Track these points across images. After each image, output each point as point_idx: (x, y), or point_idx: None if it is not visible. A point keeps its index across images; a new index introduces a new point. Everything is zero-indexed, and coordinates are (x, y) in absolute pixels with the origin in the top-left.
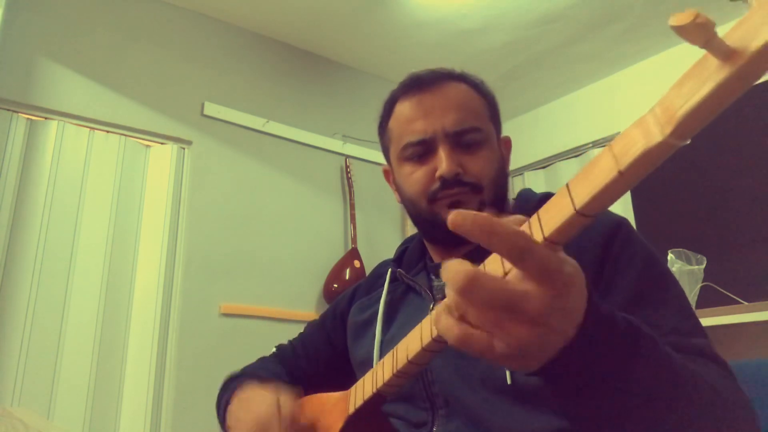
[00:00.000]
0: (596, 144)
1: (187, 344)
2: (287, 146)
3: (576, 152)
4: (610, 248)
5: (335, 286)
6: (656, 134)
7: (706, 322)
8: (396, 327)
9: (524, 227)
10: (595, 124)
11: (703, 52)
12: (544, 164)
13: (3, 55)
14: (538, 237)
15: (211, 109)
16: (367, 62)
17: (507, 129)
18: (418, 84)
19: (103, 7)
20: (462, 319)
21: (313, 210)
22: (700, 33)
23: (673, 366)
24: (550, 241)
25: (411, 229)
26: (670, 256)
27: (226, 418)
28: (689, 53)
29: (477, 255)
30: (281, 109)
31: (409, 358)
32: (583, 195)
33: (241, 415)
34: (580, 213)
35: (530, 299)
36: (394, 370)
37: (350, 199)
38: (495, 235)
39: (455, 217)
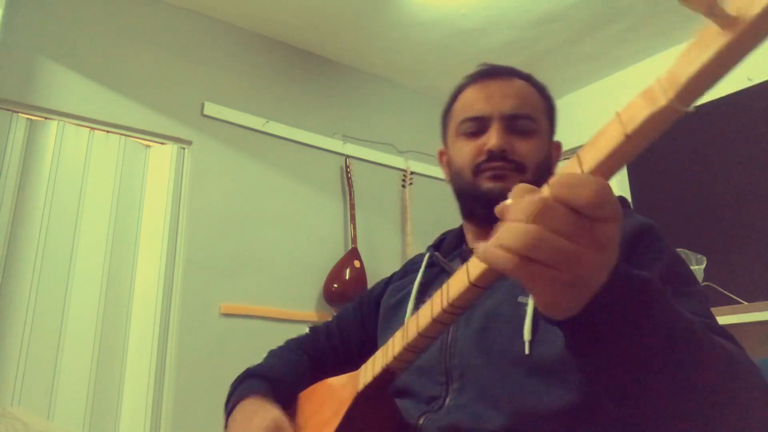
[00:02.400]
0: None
1: (187, 344)
2: (287, 146)
3: (575, 151)
4: (636, 247)
5: (335, 286)
6: (661, 99)
7: None
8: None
9: (537, 196)
10: (595, 124)
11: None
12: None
13: (3, 55)
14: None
15: (211, 109)
16: (367, 62)
17: None
18: (486, 73)
19: (103, 7)
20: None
21: (313, 210)
22: (703, 1)
23: (692, 323)
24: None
25: (411, 229)
26: None
27: (230, 417)
28: None
29: None
30: (281, 109)
31: (420, 330)
32: (591, 160)
33: (237, 424)
34: None
35: (603, 225)
36: (405, 344)
37: (350, 199)
38: (574, 186)
39: (517, 194)
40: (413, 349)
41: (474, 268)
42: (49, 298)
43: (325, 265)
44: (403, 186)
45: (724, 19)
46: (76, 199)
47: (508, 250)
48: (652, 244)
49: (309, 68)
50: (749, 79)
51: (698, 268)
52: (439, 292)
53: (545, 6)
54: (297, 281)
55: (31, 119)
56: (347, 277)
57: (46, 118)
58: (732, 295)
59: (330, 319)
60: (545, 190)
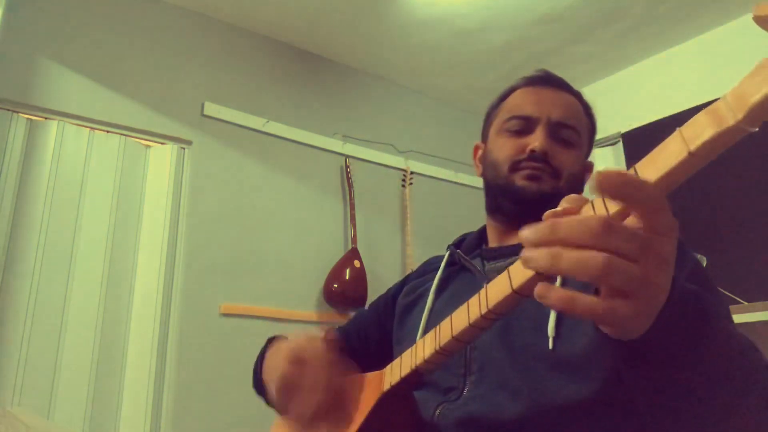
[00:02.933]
0: (596, 144)
1: (187, 344)
2: (287, 146)
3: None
4: None
5: (335, 286)
6: (728, 119)
7: None
8: (445, 298)
9: (587, 208)
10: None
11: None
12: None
13: (3, 55)
14: (607, 206)
15: (211, 109)
16: (367, 62)
17: None
18: (541, 80)
19: (103, 8)
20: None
21: (313, 210)
22: None
23: (741, 338)
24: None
25: (411, 229)
26: None
27: (263, 375)
28: (689, 53)
29: None
30: (281, 109)
31: (454, 334)
32: (652, 175)
33: (273, 359)
34: None
35: (661, 239)
36: (437, 347)
37: (350, 199)
38: (628, 185)
39: (573, 224)
40: (445, 352)
41: (517, 274)
42: (49, 298)
43: (325, 265)
44: (403, 186)
45: None
46: (76, 199)
47: (575, 275)
48: (678, 252)
49: (309, 68)
50: None
51: None
52: (477, 296)
53: (545, 6)
54: (297, 281)
55: (31, 119)
56: (347, 277)
57: (46, 118)
58: (732, 295)
59: (338, 322)
60: (599, 204)
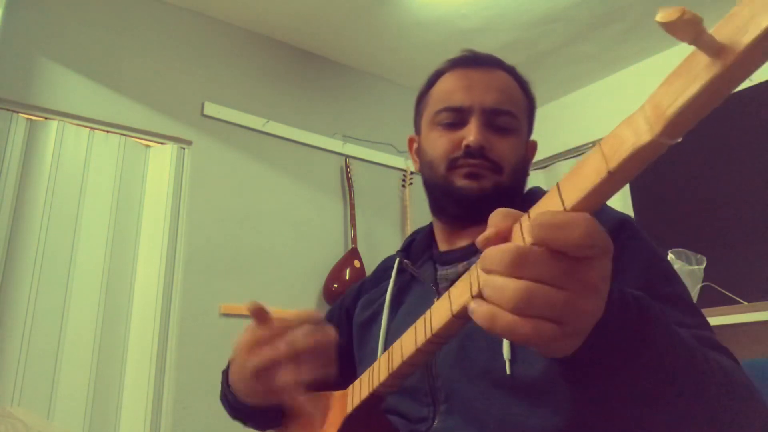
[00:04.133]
0: (596, 144)
1: (187, 344)
2: (287, 146)
3: (576, 152)
4: (614, 243)
5: (335, 286)
6: (646, 133)
7: None
8: (400, 316)
9: (516, 228)
10: (595, 124)
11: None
12: (544, 164)
13: (3, 55)
14: (528, 237)
15: (211, 109)
16: (367, 62)
17: None
18: (469, 60)
19: (103, 7)
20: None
21: (313, 210)
22: (689, 29)
23: (686, 341)
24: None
25: (411, 229)
26: (670, 256)
27: (230, 387)
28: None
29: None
30: (281, 109)
31: (405, 359)
32: (573, 195)
33: (235, 363)
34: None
35: (588, 266)
36: (390, 371)
37: (350, 199)
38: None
39: (476, 310)
40: (400, 375)
41: (457, 297)
42: (49, 298)
43: (325, 265)
44: (403, 186)
45: (713, 48)
46: (76, 199)
47: (498, 305)
48: (630, 242)
49: (309, 68)
50: (749, 79)
51: (698, 268)
52: (422, 319)
53: (545, 6)
54: (297, 281)
55: (31, 119)
56: (347, 277)
57: (46, 118)
58: (732, 295)
59: None
60: (526, 227)
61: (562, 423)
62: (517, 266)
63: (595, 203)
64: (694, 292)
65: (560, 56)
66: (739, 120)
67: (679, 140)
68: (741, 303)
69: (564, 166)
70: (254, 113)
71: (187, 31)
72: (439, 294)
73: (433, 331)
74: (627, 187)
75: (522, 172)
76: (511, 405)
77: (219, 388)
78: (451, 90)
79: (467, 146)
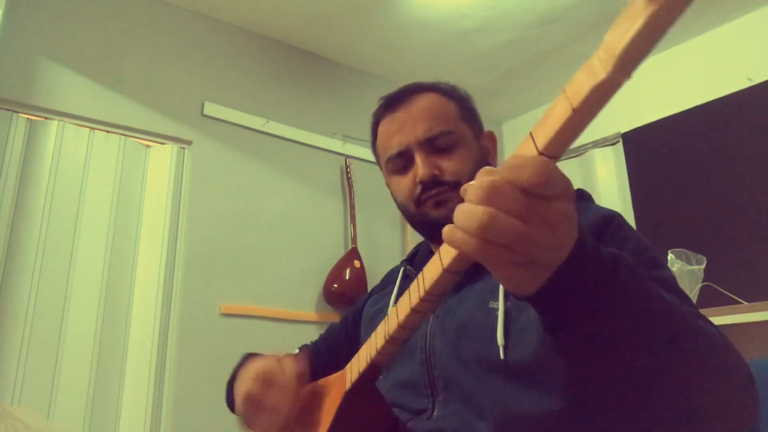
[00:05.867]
0: (596, 144)
1: (187, 344)
2: (287, 146)
3: (576, 152)
4: (600, 237)
5: (335, 286)
6: (600, 72)
7: None
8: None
9: (488, 178)
10: (595, 124)
11: None
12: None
13: (3, 55)
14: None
15: (211, 109)
16: (367, 62)
17: (507, 129)
18: (391, 104)
19: (103, 8)
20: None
21: (313, 210)
22: None
23: (667, 302)
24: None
25: (411, 229)
26: (670, 256)
27: (234, 390)
28: (689, 53)
29: None
30: (281, 109)
31: (400, 321)
32: (543, 137)
33: (243, 377)
34: (543, 154)
35: (548, 204)
36: (386, 336)
37: (350, 199)
38: (517, 170)
39: (471, 188)
40: (395, 341)
41: (446, 254)
42: (49, 298)
43: (325, 265)
44: None
45: None
46: (76, 199)
47: (465, 231)
48: (616, 233)
49: (309, 68)
50: (749, 79)
51: (698, 268)
52: (415, 282)
53: (545, 6)
54: (297, 281)
55: (31, 119)
56: (347, 277)
57: (46, 118)
58: (732, 295)
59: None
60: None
61: (557, 403)
62: (486, 195)
63: (564, 141)
64: (694, 292)
65: (560, 56)
66: (739, 120)
67: (629, 78)
68: (741, 303)
69: (564, 166)
70: (254, 113)
71: (187, 31)
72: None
73: (426, 289)
74: (627, 187)
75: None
76: (507, 388)
77: (219, 388)
78: (387, 138)
79: (420, 182)
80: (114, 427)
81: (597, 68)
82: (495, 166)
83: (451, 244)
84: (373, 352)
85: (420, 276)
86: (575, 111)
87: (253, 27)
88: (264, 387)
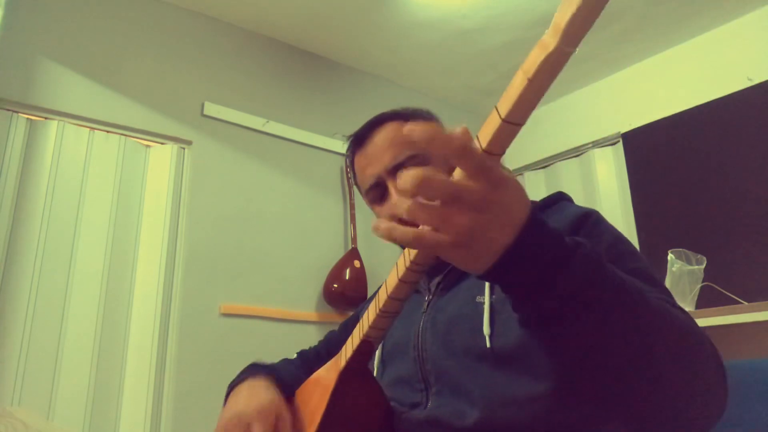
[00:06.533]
0: (596, 144)
1: (187, 344)
2: (287, 146)
3: (576, 152)
4: (578, 232)
5: (335, 286)
6: (550, 45)
7: (706, 322)
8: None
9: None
10: (595, 124)
11: None
12: (544, 164)
13: (3, 55)
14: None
15: (211, 109)
16: (367, 62)
17: None
18: (359, 140)
19: (103, 8)
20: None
21: (313, 210)
22: None
23: (625, 278)
24: (489, 153)
25: None
26: (670, 256)
27: (232, 391)
28: (689, 53)
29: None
30: (281, 109)
31: (389, 293)
32: (505, 106)
33: (241, 397)
34: (506, 121)
35: (470, 190)
36: (378, 310)
37: (350, 199)
38: (436, 140)
39: (402, 178)
40: (386, 314)
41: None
42: (49, 298)
43: (325, 265)
44: None
45: None
46: (76, 199)
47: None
48: (593, 229)
49: (309, 68)
50: (749, 79)
51: (698, 268)
52: (402, 255)
53: (545, 6)
54: (297, 281)
55: (31, 119)
56: (347, 277)
57: (46, 118)
58: (732, 295)
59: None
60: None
61: (543, 388)
62: (414, 185)
63: (524, 107)
64: (694, 292)
65: None
66: (739, 120)
67: (576, 49)
68: (741, 303)
69: (563, 166)
70: (254, 113)
71: (187, 31)
72: (430, 298)
73: (412, 258)
74: (627, 187)
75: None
76: (495, 376)
77: (219, 388)
78: (360, 172)
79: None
80: (114, 427)
81: (547, 42)
82: None
83: (380, 233)
84: (366, 328)
85: (406, 250)
86: (530, 81)
87: (253, 27)
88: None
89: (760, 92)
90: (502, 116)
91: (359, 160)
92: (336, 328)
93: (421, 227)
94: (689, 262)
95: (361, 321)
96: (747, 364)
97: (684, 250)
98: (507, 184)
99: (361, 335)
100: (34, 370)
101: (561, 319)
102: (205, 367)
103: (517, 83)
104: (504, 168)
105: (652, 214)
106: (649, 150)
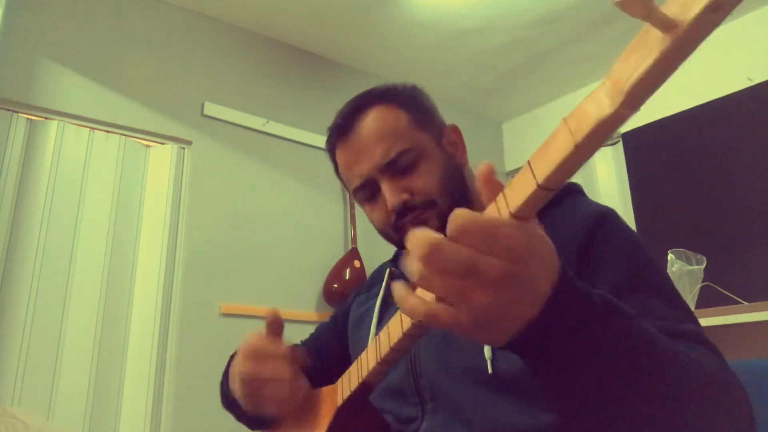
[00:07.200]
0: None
1: (187, 344)
2: (287, 146)
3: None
4: (595, 237)
5: (335, 286)
6: (607, 106)
7: (706, 322)
8: (387, 321)
9: (491, 207)
10: None
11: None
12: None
13: (3, 55)
14: (505, 213)
15: (211, 109)
16: (367, 62)
17: (507, 129)
18: (341, 130)
19: (103, 8)
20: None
21: (313, 210)
22: (642, 6)
23: (657, 344)
24: (516, 216)
25: None
26: (670, 256)
27: (230, 386)
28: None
29: None
30: (281, 109)
31: (392, 344)
32: (543, 170)
33: (233, 366)
34: (542, 187)
35: (489, 263)
36: (378, 359)
37: (350, 199)
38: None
39: (411, 240)
40: (387, 362)
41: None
42: (49, 298)
43: (325, 265)
44: None
45: (664, 23)
46: (76, 199)
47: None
48: (611, 234)
49: (309, 68)
50: (749, 79)
51: (698, 268)
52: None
53: (545, 6)
54: (297, 281)
55: (31, 119)
56: (347, 277)
57: (46, 118)
58: (732, 295)
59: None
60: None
61: (546, 418)
62: (426, 254)
63: (564, 175)
64: (694, 292)
65: (560, 56)
66: (739, 120)
67: (637, 112)
68: (741, 303)
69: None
70: (254, 113)
71: (187, 31)
72: None
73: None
74: (627, 187)
75: (454, 178)
76: (496, 402)
77: (218, 388)
78: (346, 169)
79: (393, 210)
80: (114, 427)
81: (603, 102)
82: (464, 161)
83: (395, 298)
84: (365, 372)
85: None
86: (577, 147)
87: (253, 27)
88: (257, 362)
89: (760, 92)
90: (539, 181)
91: (343, 154)
92: (298, 343)
93: (435, 303)
94: (689, 262)
95: (358, 362)
96: (747, 364)
97: (684, 250)
98: (532, 253)
99: (360, 378)
100: (34, 370)
101: (583, 392)
102: (205, 367)
103: (561, 145)
104: (531, 227)
105: (652, 214)
106: (649, 150)
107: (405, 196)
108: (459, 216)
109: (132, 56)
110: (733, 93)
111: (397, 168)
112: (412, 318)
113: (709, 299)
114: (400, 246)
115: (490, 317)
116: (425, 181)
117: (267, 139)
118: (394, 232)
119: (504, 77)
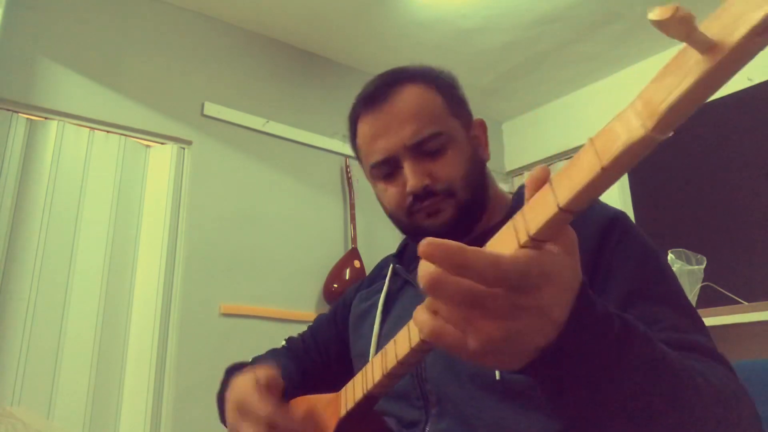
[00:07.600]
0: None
1: (187, 344)
2: (287, 146)
3: (576, 152)
4: (607, 242)
5: (335, 286)
6: (638, 128)
7: (706, 322)
8: (392, 320)
9: (509, 226)
10: (595, 124)
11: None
12: (544, 164)
13: (3, 55)
14: (523, 236)
15: (211, 109)
16: (367, 62)
17: (507, 129)
18: (372, 99)
19: (103, 8)
20: (437, 314)
21: (313, 210)
22: (681, 27)
23: (672, 367)
24: (535, 240)
25: None
26: (670, 256)
27: (225, 414)
28: None
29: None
30: (281, 109)
31: (399, 358)
32: (566, 192)
33: (227, 405)
34: (563, 210)
35: (494, 296)
36: (384, 372)
37: (350, 199)
38: (436, 255)
39: (425, 249)
40: (393, 376)
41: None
42: (49, 298)
43: (325, 265)
44: None
45: (704, 45)
46: (76, 199)
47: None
48: (623, 239)
49: (309, 68)
50: (749, 79)
51: (698, 268)
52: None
53: (545, 6)
54: (297, 281)
55: (31, 119)
56: (347, 277)
57: (46, 118)
58: (732, 295)
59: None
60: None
61: (554, 426)
62: (431, 285)
63: (588, 198)
64: (694, 292)
65: (560, 56)
66: (739, 120)
67: (671, 135)
68: (741, 303)
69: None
70: (254, 113)
71: (187, 31)
72: None
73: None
74: (627, 187)
75: (476, 173)
76: (503, 409)
77: (219, 388)
78: (369, 141)
79: (411, 193)
80: (114, 427)
81: (633, 124)
82: (486, 157)
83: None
84: (370, 385)
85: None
86: (603, 170)
87: (253, 27)
88: (241, 416)
89: (760, 92)
90: (561, 204)
91: (369, 124)
92: (297, 336)
93: (445, 323)
94: (689, 262)
95: (363, 373)
96: (747, 364)
97: (684, 250)
98: (546, 281)
99: (365, 390)
100: (34, 370)
101: (592, 411)
102: (205, 367)
103: (586, 167)
104: (545, 253)
105: (652, 214)
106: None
107: (427, 180)
108: (458, 253)
109: (132, 56)
110: (733, 93)
111: (424, 150)
112: (419, 331)
113: (709, 299)
114: (406, 231)
115: (498, 346)
116: (450, 169)
117: (267, 139)
118: (406, 216)
119: (504, 77)
